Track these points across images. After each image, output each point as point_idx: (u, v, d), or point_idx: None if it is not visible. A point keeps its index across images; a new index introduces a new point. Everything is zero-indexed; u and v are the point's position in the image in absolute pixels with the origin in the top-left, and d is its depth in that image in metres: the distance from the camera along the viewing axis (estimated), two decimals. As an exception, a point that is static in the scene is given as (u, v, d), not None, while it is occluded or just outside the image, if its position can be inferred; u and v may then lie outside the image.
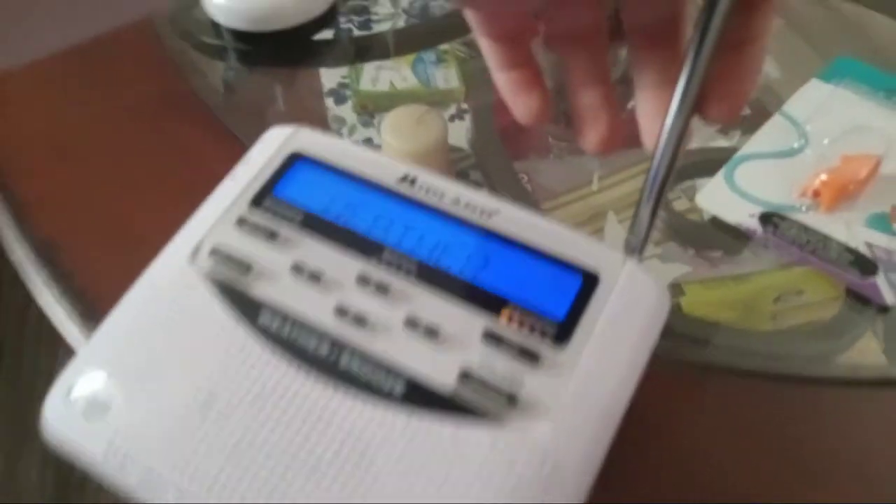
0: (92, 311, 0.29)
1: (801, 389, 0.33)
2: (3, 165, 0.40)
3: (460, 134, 0.44)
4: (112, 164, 0.41)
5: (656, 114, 0.23)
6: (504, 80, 0.26)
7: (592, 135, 0.26)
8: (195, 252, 0.26)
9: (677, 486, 0.30)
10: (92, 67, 0.44)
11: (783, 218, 0.38)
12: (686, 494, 0.29)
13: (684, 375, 0.33)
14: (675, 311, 0.36)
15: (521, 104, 0.26)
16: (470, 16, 0.25)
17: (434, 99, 0.45)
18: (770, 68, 0.47)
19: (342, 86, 0.46)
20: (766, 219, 0.38)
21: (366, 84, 0.45)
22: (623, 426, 0.23)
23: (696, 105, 0.22)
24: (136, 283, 0.26)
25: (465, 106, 0.45)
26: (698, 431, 0.32)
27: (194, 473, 0.22)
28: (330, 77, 0.46)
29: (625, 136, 0.26)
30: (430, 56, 0.48)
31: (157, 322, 0.25)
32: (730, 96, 0.22)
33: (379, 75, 0.46)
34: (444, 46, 0.48)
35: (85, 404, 0.23)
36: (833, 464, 0.31)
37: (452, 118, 0.45)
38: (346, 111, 0.45)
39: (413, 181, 0.27)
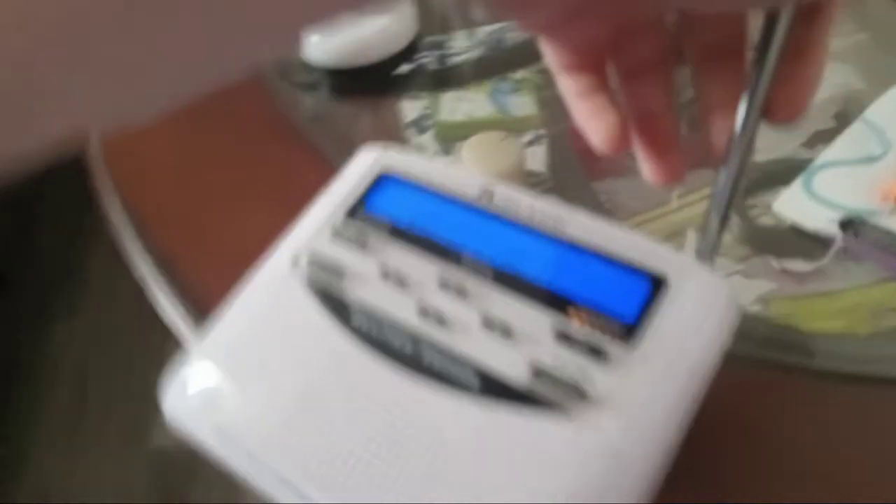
0: (205, 312, 0.32)
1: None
2: (130, 187, 0.44)
3: (538, 159, 0.45)
4: (223, 184, 0.44)
5: (728, 130, 0.23)
6: (578, 108, 0.26)
7: (658, 168, 0.26)
8: (296, 260, 0.28)
9: (766, 484, 0.29)
10: (208, 101, 0.48)
11: (864, 222, 0.37)
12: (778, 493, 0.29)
13: (774, 378, 0.33)
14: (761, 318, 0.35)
15: (595, 131, 0.26)
16: (543, 45, 0.26)
17: (511, 126, 0.47)
18: (853, 79, 0.46)
19: (423, 117, 0.47)
20: (847, 224, 0.37)
21: (445, 114, 0.47)
22: (712, 427, 0.23)
23: (762, 109, 0.22)
24: (245, 288, 0.28)
25: (542, 132, 0.46)
26: (789, 432, 0.31)
27: (292, 459, 0.23)
28: (411, 109, 0.48)
29: (700, 155, 0.26)
30: (506, 85, 0.49)
31: (263, 322, 0.27)
32: (793, 99, 0.22)
33: (458, 106, 0.47)
34: (519, 75, 0.50)
35: (199, 392, 0.26)
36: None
37: (530, 143, 0.46)
38: (428, 140, 0.46)
39: (491, 195, 0.28)
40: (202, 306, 0.37)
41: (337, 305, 0.26)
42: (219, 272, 0.30)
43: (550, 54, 0.26)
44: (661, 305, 0.24)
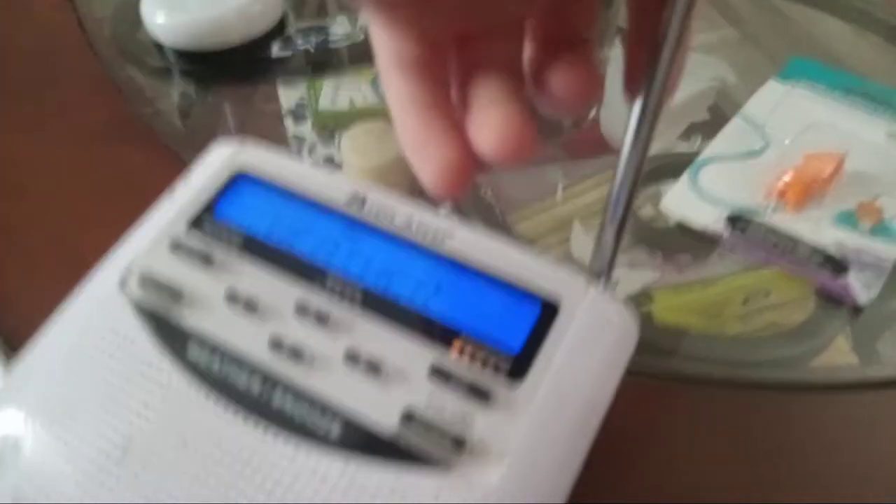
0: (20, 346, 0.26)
1: (776, 396, 0.31)
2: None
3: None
4: (56, 191, 0.38)
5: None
6: (409, 124, 0.19)
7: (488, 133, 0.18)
8: (125, 278, 0.23)
9: (652, 496, 0.27)
10: (40, 95, 0.42)
11: (750, 220, 0.36)
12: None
13: (656, 387, 0.31)
14: (646, 320, 0.34)
15: (428, 159, 0.18)
16: (378, 31, 0.19)
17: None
18: (725, 73, 0.46)
19: (300, 106, 0.43)
20: (733, 222, 0.36)
21: (325, 103, 0.43)
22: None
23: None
24: (62, 314, 0.23)
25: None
26: (672, 443, 0.29)
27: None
28: (288, 97, 0.44)
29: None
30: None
31: (81, 356, 0.22)
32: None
33: (338, 94, 0.43)
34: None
35: (-7, 446, 0.20)
36: (809, 469, 0.29)
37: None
38: (306, 130, 0.42)
39: (363, 202, 0.24)
40: (19, 339, 0.31)
41: (172, 335, 0.22)
42: (42, 299, 0.24)
43: (386, 45, 0.19)
44: (551, 333, 0.21)
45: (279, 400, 0.20)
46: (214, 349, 0.21)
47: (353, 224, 0.24)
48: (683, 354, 0.33)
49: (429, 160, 0.18)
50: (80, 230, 0.35)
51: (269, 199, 0.25)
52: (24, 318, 0.30)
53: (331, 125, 0.42)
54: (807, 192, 0.36)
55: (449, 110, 0.19)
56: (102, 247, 0.25)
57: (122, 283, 0.23)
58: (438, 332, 0.21)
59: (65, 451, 0.20)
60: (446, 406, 0.20)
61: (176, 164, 0.37)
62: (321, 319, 0.21)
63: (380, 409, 0.20)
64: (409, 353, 0.21)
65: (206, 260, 0.23)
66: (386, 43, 0.18)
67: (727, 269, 0.36)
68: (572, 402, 0.21)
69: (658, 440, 0.29)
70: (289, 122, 0.42)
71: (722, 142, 0.40)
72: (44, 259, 0.35)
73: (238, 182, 0.25)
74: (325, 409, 0.20)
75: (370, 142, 0.36)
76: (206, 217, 0.24)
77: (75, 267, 0.24)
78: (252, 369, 0.21)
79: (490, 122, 0.18)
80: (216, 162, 0.26)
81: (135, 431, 0.20)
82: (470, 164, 0.18)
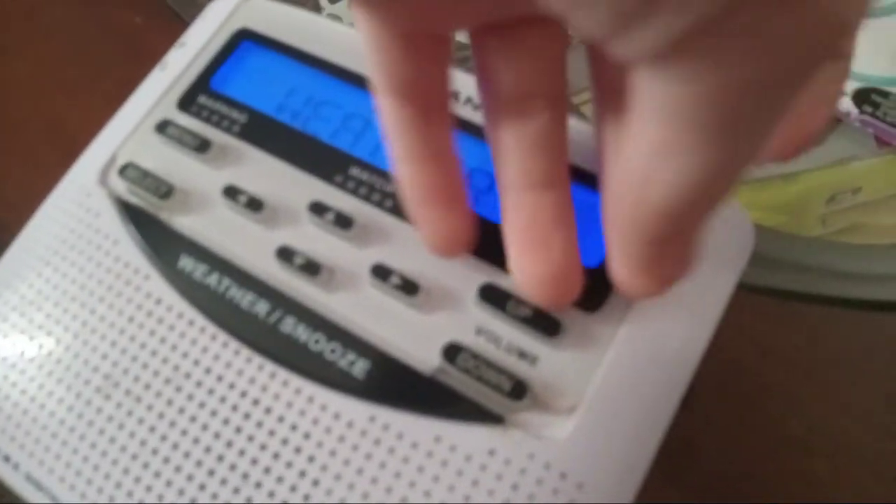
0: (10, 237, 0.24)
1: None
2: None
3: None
4: (44, 58, 0.34)
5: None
6: (412, 180, 0.15)
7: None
8: (106, 168, 0.20)
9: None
10: None
11: (885, 94, 0.30)
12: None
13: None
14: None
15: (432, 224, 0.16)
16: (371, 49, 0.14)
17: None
18: None
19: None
20: (863, 96, 0.30)
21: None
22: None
23: None
24: (36, 215, 0.20)
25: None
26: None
27: (85, 485, 0.17)
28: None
29: None
30: None
31: (55, 264, 0.19)
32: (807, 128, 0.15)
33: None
34: None
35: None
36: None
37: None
38: (341, 8, 0.37)
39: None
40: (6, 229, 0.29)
41: (159, 237, 0.18)
42: (28, 181, 0.22)
43: (379, 58, 0.14)
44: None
45: (290, 327, 0.17)
46: (210, 259, 0.18)
47: (385, 99, 0.20)
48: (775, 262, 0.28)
49: (432, 224, 0.16)
50: (71, 105, 0.32)
51: (278, 65, 0.21)
52: (9, 206, 0.29)
53: None
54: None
55: (448, 150, 0.15)
56: (95, 125, 0.21)
57: (103, 176, 0.20)
58: (493, 242, 0.17)
59: (34, 385, 0.18)
60: (502, 339, 0.16)
61: (181, 28, 0.34)
62: (343, 222, 0.18)
63: (417, 339, 0.16)
64: (455, 270, 0.17)
65: (201, 145, 0.19)
66: (378, 55, 0.14)
67: (810, 165, 0.30)
68: (665, 333, 0.17)
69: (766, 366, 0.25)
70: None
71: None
72: (29, 135, 0.32)
73: (241, 46, 0.21)
74: (347, 339, 0.17)
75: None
76: (201, 90, 0.21)
77: (64, 145, 0.22)
78: (257, 286, 0.17)
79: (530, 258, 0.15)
80: (214, 21, 0.22)
81: (117, 360, 0.18)
82: (471, 231, 0.16)
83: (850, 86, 0.30)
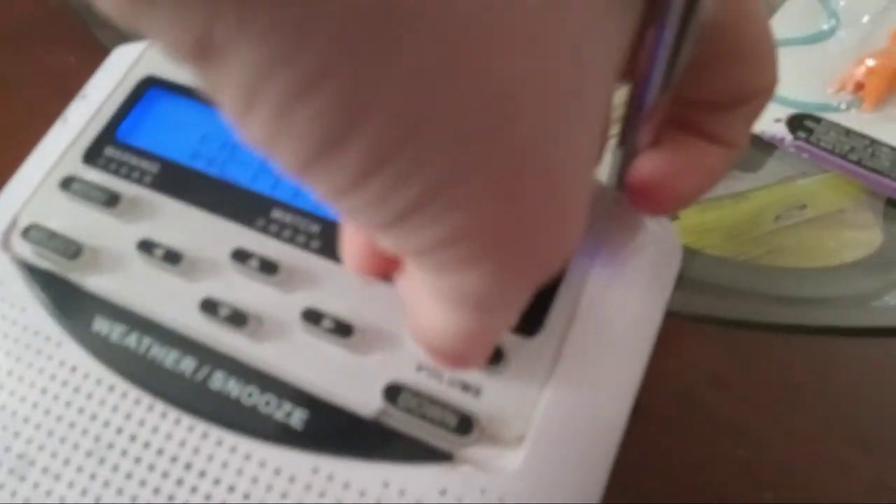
0: None
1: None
2: None
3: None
4: None
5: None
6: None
7: None
8: (8, 231, 0.19)
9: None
10: None
11: (818, 120, 0.31)
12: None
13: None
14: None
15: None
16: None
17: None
18: None
19: None
20: (797, 122, 0.31)
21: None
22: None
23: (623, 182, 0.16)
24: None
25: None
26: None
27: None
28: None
29: None
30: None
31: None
32: (675, 188, 0.16)
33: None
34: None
35: None
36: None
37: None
38: None
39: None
40: None
41: (71, 301, 0.18)
42: None
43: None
44: (574, 258, 0.18)
45: (220, 383, 0.16)
46: (127, 318, 0.17)
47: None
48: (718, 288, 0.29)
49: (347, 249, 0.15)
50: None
51: (189, 111, 0.20)
52: None
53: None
54: (891, 84, 0.31)
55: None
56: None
57: (5, 239, 0.19)
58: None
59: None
60: (443, 373, 0.16)
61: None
62: (268, 269, 0.17)
63: (357, 383, 0.16)
64: (389, 307, 0.17)
65: (109, 199, 0.19)
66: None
67: (760, 182, 0.32)
68: (608, 350, 0.17)
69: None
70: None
71: (780, 23, 0.35)
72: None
73: (147, 93, 0.21)
74: (282, 389, 0.16)
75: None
76: (108, 143, 0.20)
77: None
78: (181, 342, 0.17)
79: None
80: (117, 70, 0.21)
81: (31, 429, 0.17)
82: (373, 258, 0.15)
83: (784, 112, 0.32)
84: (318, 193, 0.10)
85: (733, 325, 0.27)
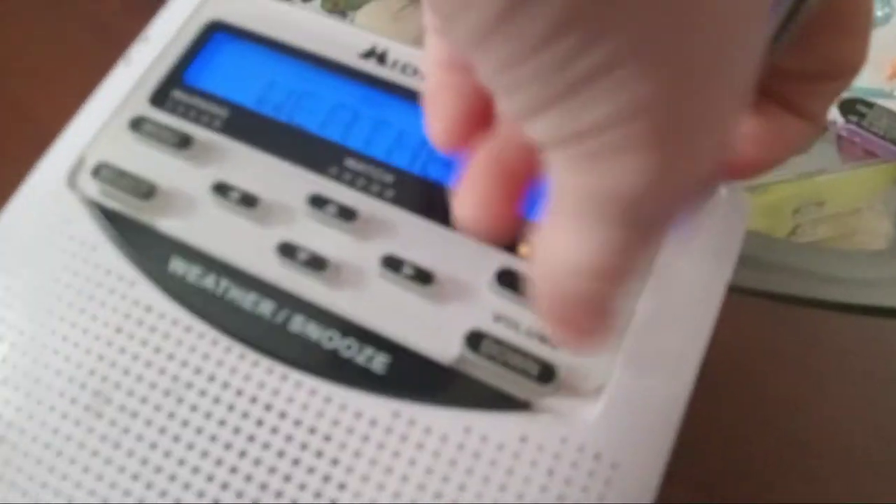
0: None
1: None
2: None
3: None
4: (11, 45, 0.33)
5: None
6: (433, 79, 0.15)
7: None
8: (75, 170, 0.19)
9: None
10: None
11: (870, 105, 0.32)
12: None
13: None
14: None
15: (442, 108, 0.15)
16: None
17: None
18: None
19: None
20: (849, 107, 0.32)
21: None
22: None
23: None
24: (3, 215, 0.19)
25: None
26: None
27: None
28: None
29: None
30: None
31: (25, 276, 0.18)
32: (744, 154, 0.16)
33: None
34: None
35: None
36: None
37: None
38: (314, 8, 0.38)
39: (382, 56, 0.20)
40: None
41: (144, 242, 0.18)
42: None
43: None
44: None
45: (298, 326, 0.17)
46: (203, 260, 0.17)
47: (373, 86, 0.20)
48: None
49: (443, 109, 0.14)
50: (41, 94, 0.31)
51: (257, 57, 0.20)
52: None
53: (342, 4, 0.38)
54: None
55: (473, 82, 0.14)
56: (64, 116, 0.21)
57: (72, 178, 0.19)
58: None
59: (15, 397, 0.17)
60: (521, 324, 0.17)
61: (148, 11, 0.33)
62: (346, 215, 0.17)
63: (436, 330, 0.16)
64: (467, 258, 0.17)
65: (181, 141, 0.19)
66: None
67: (779, 176, 0.32)
68: (680, 309, 0.17)
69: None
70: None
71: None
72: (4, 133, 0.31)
73: (213, 38, 0.21)
74: (363, 334, 0.17)
75: (386, 20, 0.33)
76: (175, 85, 0.20)
77: (32, 136, 0.21)
78: (259, 286, 0.17)
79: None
80: (180, 14, 0.21)
81: (106, 367, 0.17)
82: (468, 130, 0.14)
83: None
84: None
85: (785, 301, 0.27)
